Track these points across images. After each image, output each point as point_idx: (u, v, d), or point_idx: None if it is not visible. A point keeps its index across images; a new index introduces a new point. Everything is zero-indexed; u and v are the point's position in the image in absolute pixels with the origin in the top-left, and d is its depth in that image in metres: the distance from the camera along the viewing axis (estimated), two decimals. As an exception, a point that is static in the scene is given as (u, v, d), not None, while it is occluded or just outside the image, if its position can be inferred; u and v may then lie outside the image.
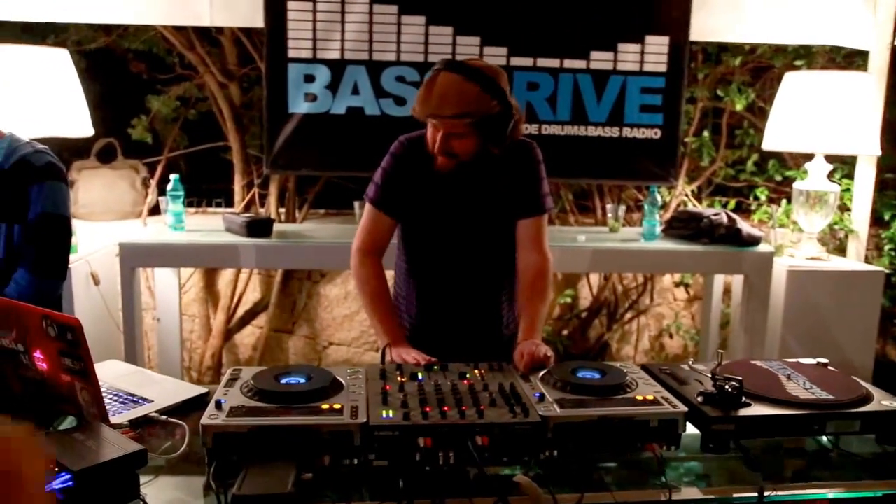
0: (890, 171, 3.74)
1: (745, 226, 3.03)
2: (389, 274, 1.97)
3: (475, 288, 1.94)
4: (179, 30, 3.42)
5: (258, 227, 2.83)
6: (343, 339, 3.74)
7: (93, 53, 3.66)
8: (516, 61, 3.15)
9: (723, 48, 3.67)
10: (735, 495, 1.31)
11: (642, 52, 3.19)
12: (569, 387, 1.46)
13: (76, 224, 2.84)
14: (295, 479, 1.17)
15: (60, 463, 1.08)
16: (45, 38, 3.49)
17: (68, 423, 1.37)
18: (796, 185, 3.17)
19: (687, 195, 3.76)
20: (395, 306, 2.03)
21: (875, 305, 3.05)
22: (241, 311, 3.70)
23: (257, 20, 3.04)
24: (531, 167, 1.90)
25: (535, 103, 3.19)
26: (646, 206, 3.12)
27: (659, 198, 3.14)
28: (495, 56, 3.12)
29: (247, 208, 3.60)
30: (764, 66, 3.75)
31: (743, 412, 1.40)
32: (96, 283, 2.64)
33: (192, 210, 3.67)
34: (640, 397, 1.42)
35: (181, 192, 2.90)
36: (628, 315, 3.93)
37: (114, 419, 1.39)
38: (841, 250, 3.43)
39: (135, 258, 2.69)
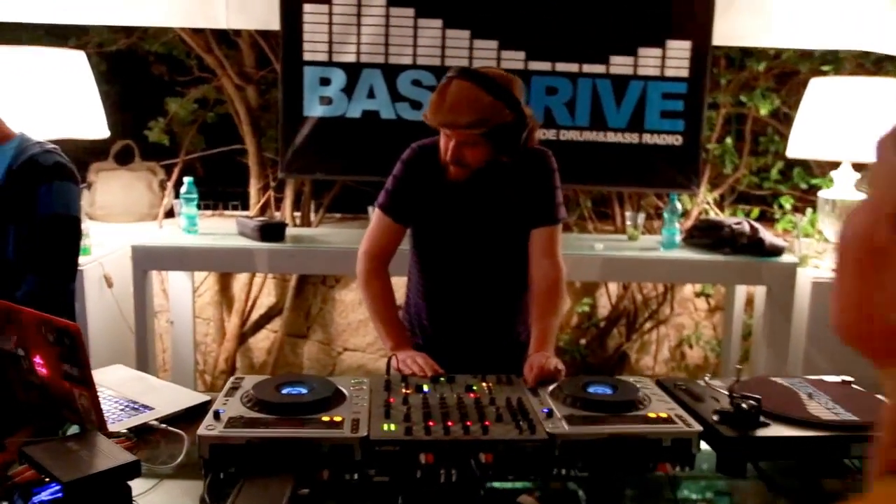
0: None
1: (767, 235, 2.96)
2: (399, 282, 1.94)
3: (488, 297, 1.91)
4: (197, 32, 3.41)
5: (271, 232, 2.81)
6: (358, 345, 3.71)
7: (115, 55, 3.68)
8: (534, 66, 3.10)
9: (747, 53, 3.59)
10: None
11: (663, 57, 3.12)
12: (579, 402, 1.41)
13: (91, 225, 2.84)
14: (291, 495, 1.14)
15: (51, 473, 1.06)
16: (68, 40, 3.51)
17: (73, 430, 1.35)
18: (822, 193, 3.08)
19: (708, 203, 3.68)
20: (406, 314, 2.00)
21: (903, 319, 2.95)
22: (255, 315, 3.69)
23: (273, 23, 3.02)
24: (545, 176, 1.86)
25: (554, 108, 3.13)
26: (665, 215, 3.06)
27: (679, 206, 3.07)
28: (513, 60, 3.07)
29: (262, 212, 3.59)
30: (789, 72, 3.66)
31: (760, 433, 1.34)
32: (109, 285, 2.63)
33: (208, 213, 3.67)
34: (652, 415, 1.37)
35: (195, 196, 2.89)
36: (648, 325, 3.86)
37: (113, 426, 1.36)
38: (868, 261, 3.33)
39: (147, 261, 2.68)
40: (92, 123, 2.76)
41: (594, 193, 3.75)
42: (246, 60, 3.57)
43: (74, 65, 2.73)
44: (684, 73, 3.13)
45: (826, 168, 3.47)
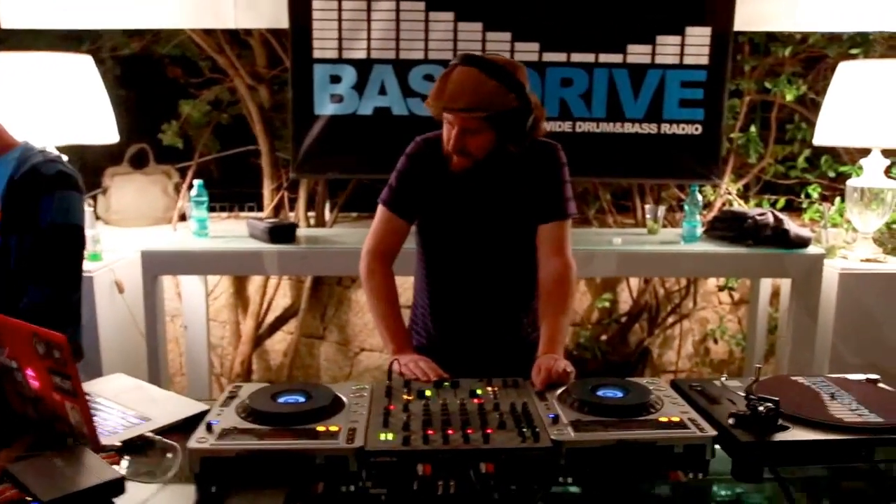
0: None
1: (792, 226, 2.85)
2: (407, 282, 1.90)
3: (494, 295, 1.85)
4: (209, 33, 3.39)
5: (281, 233, 2.78)
6: (375, 345, 3.68)
7: (129, 59, 3.68)
8: (549, 57, 3.03)
9: (772, 38, 3.47)
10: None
11: (682, 45, 3.04)
12: (587, 406, 1.35)
13: (104, 230, 2.85)
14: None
15: (31, 492, 1.03)
16: (82, 44, 3.52)
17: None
18: (850, 182, 2.97)
19: (730, 193, 3.57)
20: (412, 315, 1.96)
21: (937, 311, 2.83)
22: (270, 317, 3.67)
23: (282, 21, 2.99)
24: (554, 169, 1.80)
25: (569, 100, 3.06)
26: (686, 207, 2.97)
27: (700, 198, 2.97)
28: (527, 52, 3.00)
29: (276, 213, 3.56)
30: (816, 56, 3.53)
31: (778, 437, 1.27)
32: (120, 290, 2.62)
33: (224, 215, 3.66)
34: (664, 419, 1.30)
35: (205, 199, 2.87)
36: (670, 319, 3.76)
37: (106, 439, 1.33)
38: (899, 251, 3.21)
39: (157, 266, 2.66)
40: (102, 128, 2.75)
41: (613, 186, 3.67)
42: (258, 60, 3.54)
43: (83, 70, 2.73)
44: (704, 61, 3.04)
45: (855, 155, 3.35)
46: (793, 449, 1.26)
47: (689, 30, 3.01)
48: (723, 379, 1.52)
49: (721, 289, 3.69)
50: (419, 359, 1.62)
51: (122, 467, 1.26)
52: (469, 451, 1.20)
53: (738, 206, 3.49)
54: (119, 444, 1.32)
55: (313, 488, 1.19)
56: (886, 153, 2.91)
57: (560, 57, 3.03)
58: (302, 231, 2.98)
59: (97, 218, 2.91)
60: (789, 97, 3.44)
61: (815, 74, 3.58)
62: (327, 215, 3.64)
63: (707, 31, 3.02)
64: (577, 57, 3.03)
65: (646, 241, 3.00)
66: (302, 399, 1.36)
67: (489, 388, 1.46)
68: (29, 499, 1.05)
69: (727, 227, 2.96)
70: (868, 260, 2.91)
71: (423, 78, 3.01)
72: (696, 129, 3.06)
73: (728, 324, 3.73)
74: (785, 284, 3.09)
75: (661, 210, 3.14)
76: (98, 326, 2.49)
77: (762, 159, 3.59)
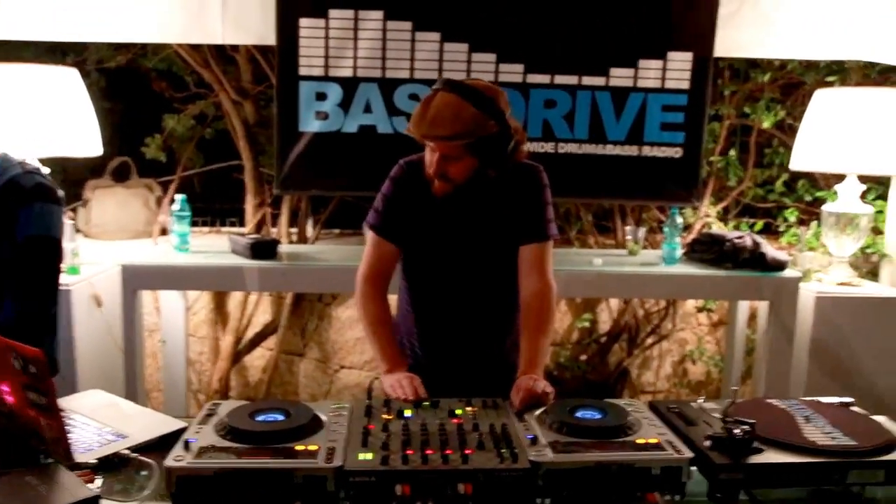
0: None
1: (770, 250, 2.89)
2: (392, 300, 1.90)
3: (477, 315, 1.86)
4: (195, 48, 3.40)
5: (262, 249, 2.77)
6: (355, 363, 3.67)
7: (115, 72, 3.67)
8: (533, 78, 3.06)
9: (751, 64, 3.53)
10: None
11: (664, 69, 3.08)
12: (565, 427, 1.36)
13: (84, 243, 2.81)
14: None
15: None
16: (67, 56, 3.50)
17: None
18: (826, 207, 3.02)
19: (708, 216, 3.62)
20: (395, 334, 1.96)
21: (911, 335, 2.88)
22: (250, 333, 3.64)
23: (270, 38, 2.99)
24: (535, 191, 1.82)
25: (552, 121, 3.09)
26: (666, 229, 3.00)
27: (680, 220, 3.01)
28: (511, 73, 3.03)
29: (258, 229, 3.55)
30: (794, 83, 3.60)
31: (753, 459, 1.28)
32: (98, 304, 2.60)
33: (205, 230, 3.64)
34: (642, 441, 1.32)
35: (187, 213, 2.85)
36: (650, 340, 3.79)
37: (82, 456, 1.32)
38: (874, 275, 3.26)
39: (137, 280, 2.64)
40: (87, 141, 2.74)
41: (595, 207, 3.70)
42: (243, 76, 3.55)
43: (68, 82, 2.71)
44: (685, 85, 3.08)
45: (832, 180, 3.40)
46: (767, 471, 1.27)
47: (671, 55, 3.06)
48: (700, 401, 1.53)
49: (700, 310, 3.73)
50: (404, 377, 1.62)
51: (97, 485, 1.25)
52: (447, 472, 1.20)
53: (717, 228, 3.54)
54: (94, 461, 1.31)
55: (291, 508, 1.18)
56: (863, 178, 2.97)
57: (544, 79, 3.06)
58: (284, 247, 2.97)
59: (77, 230, 2.87)
60: (767, 123, 3.50)
61: (793, 100, 3.64)
62: (309, 231, 3.64)
63: (688, 56, 3.06)
64: (560, 79, 3.07)
65: (626, 262, 3.02)
66: (281, 417, 1.36)
67: (468, 409, 1.46)
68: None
69: (706, 249, 2.99)
70: (843, 283, 2.95)
71: (408, 97, 3.03)
72: (677, 152, 3.10)
73: (706, 345, 3.77)
74: (762, 307, 3.12)
75: (642, 231, 3.17)
76: (75, 340, 2.46)
77: (741, 183, 3.65)
